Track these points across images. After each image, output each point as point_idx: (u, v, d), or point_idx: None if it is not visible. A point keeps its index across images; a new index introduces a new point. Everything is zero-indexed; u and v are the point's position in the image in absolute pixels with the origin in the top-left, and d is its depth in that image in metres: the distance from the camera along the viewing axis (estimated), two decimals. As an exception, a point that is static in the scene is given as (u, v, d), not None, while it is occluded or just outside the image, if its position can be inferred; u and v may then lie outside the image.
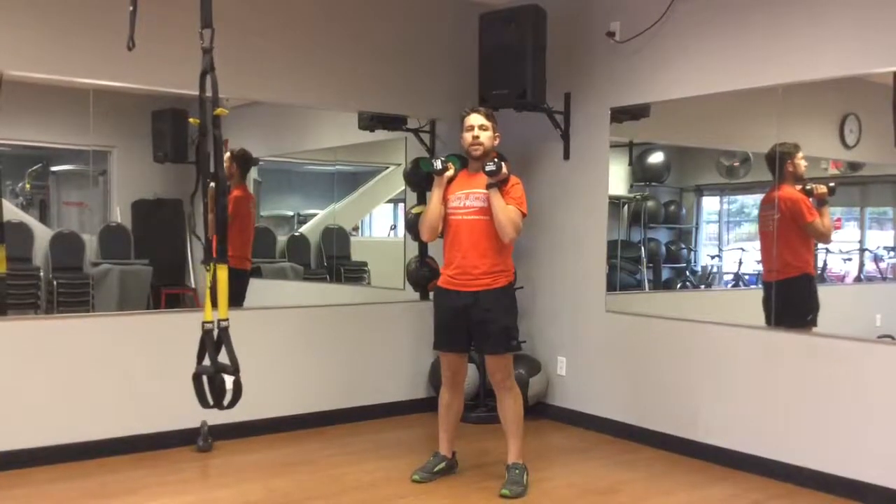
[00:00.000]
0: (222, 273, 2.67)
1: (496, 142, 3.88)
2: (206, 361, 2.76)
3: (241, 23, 4.54)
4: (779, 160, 4.28)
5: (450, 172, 3.87)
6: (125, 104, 4.82)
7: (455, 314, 3.85)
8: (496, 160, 3.71)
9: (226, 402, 2.70)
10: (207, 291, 2.69)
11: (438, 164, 3.88)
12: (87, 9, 4.12)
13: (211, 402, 2.71)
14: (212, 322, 2.68)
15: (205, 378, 2.72)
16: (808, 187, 4.27)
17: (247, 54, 4.58)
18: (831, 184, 4.34)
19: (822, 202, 4.26)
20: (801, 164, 4.29)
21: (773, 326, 4.20)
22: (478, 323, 3.80)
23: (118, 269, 5.01)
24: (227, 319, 2.66)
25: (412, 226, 5.16)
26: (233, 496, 3.74)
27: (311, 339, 4.98)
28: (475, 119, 3.83)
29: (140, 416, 4.32)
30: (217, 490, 3.87)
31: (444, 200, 3.87)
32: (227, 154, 5.01)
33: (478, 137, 3.79)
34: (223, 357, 2.75)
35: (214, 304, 2.69)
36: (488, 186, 3.70)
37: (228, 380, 2.66)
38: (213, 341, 2.68)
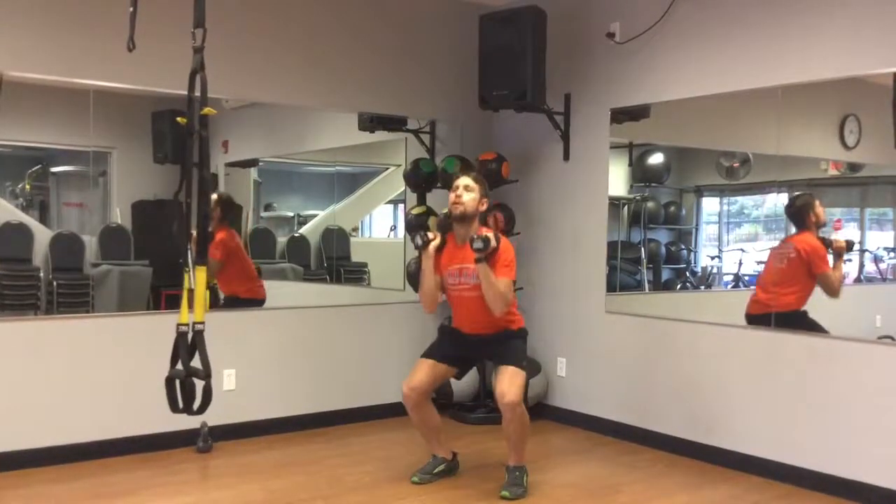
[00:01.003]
0: (200, 275, 2.65)
1: (482, 207, 3.83)
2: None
3: (241, 24, 4.55)
4: (802, 212, 4.40)
5: (435, 243, 3.83)
6: (125, 105, 4.82)
7: (460, 339, 3.91)
8: (483, 236, 3.62)
9: (195, 407, 2.67)
10: (185, 293, 2.66)
11: (419, 241, 3.83)
12: (88, 10, 4.12)
13: (180, 406, 2.69)
14: (186, 325, 2.66)
15: (178, 382, 2.69)
16: (827, 239, 4.34)
17: (246, 55, 4.58)
18: (851, 240, 4.43)
19: (838, 255, 4.31)
20: (821, 213, 4.39)
21: (773, 327, 4.21)
22: (489, 348, 3.85)
23: (118, 270, 5.01)
24: (202, 323, 2.64)
25: (412, 226, 5.16)
26: (233, 497, 3.75)
27: (312, 340, 4.98)
28: (462, 180, 3.82)
29: (140, 416, 4.32)
30: (217, 491, 3.88)
31: (438, 271, 3.85)
32: (214, 197, 4.97)
33: (460, 197, 3.77)
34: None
35: (191, 307, 2.67)
36: (477, 261, 3.64)
37: (199, 385, 2.63)
38: (187, 344, 2.66)
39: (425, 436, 4.04)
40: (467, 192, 3.78)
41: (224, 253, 4.92)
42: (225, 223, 5.10)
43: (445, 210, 4.03)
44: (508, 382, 3.67)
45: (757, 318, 4.33)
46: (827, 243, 4.33)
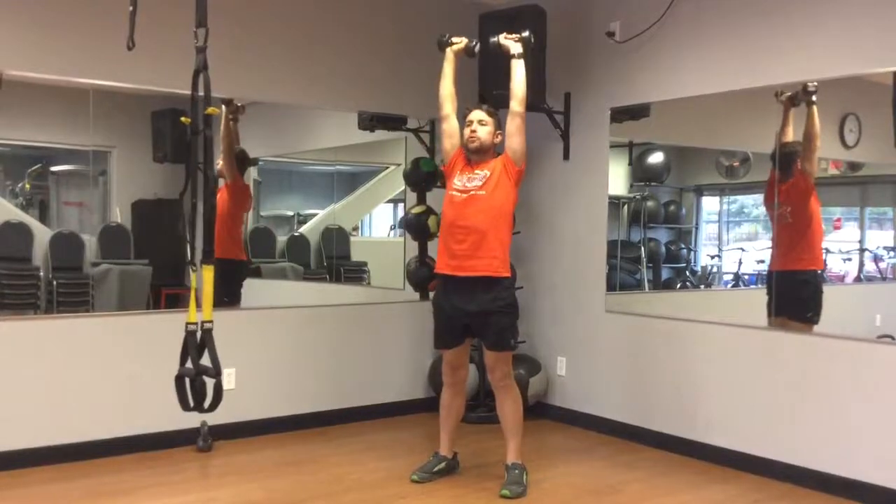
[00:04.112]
0: (208, 274, 2.66)
1: (497, 139, 3.89)
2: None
3: (241, 22, 4.55)
4: (788, 158, 4.29)
5: (459, 45, 3.93)
6: (125, 104, 4.82)
7: (453, 316, 3.86)
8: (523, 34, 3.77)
9: (206, 405, 2.68)
10: (192, 292, 2.67)
11: (444, 38, 3.92)
12: (88, 9, 4.12)
13: (191, 405, 2.69)
14: (195, 324, 2.66)
15: (188, 380, 2.70)
16: (787, 94, 4.13)
17: (247, 54, 4.58)
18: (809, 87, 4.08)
19: (804, 99, 4.08)
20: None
21: (772, 325, 4.20)
22: (478, 319, 3.79)
23: (118, 269, 5.01)
24: (210, 321, 2.65)
25: (412, 226, 5.17)
26: (233, 496, 3.75)
27: (311, 340, 4.98)
28: (475, 114, 3.87)
29: (140, 415, 4.32)
30: (217, 490, 3.87)
31: (447, 177, 3.90)
32: None
33: (475, 131, 3.83)
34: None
35: (199, 306, 2.67)
36: (513, 57, 3.79)
37: (210, 382, 2.64)
38: (196, 343, 2.66)
39: (446, 425, 4.03)
40: (482, 126, 3.84)
41: (225, 197, 4.86)
42: (241, 179, 5.14)
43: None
44: (495, 359, 3.84)
45: (775, 275, 4.38)
46: (791, 99, 4.12)
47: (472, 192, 3.78)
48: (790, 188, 4.30)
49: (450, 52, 3.95)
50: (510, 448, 3.89)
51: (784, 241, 4.41)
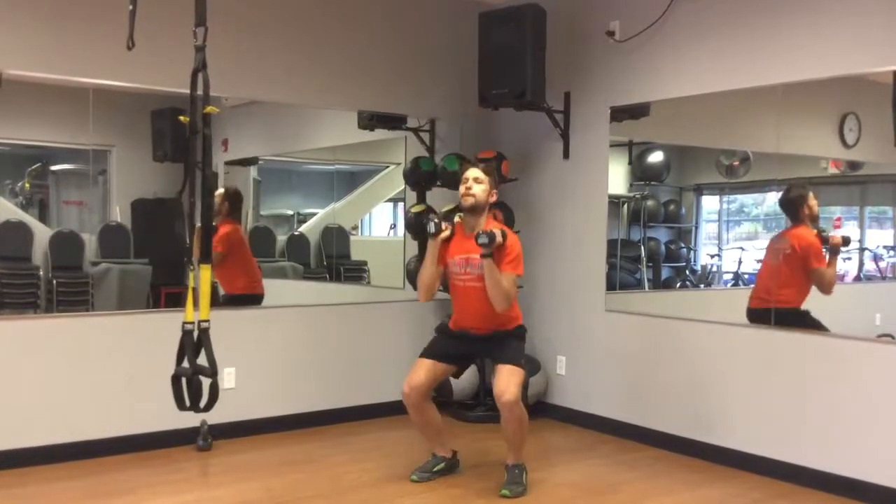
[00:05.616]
0: (204, 273, 2.65)
1: (492, 198, 3.85)
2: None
3: (240, 21, 4.55)
4: (795, 204, 4.37)
5: (445, 234, 3.83)
6: (125, 103, 4.81)
7: (458, 338, 3.90)
8: (489, 231, 3.62)
9: (202, 405, 2.68)
10: (189, 292, 2.66)
11: (432, 227, 3.83)
12: (87, 8, 4.12)
13: (187, 404, 2.69)
14: (192, 323, 2.66)
15: (184, 380, 2.69)
16: (823, 234, 4.30)
17: (246, 53, 4.58)
18: (847, 235, 4.37)
19: (834, 251, 4.27)
20: (814, 205, 4.34)
21: (773, 325, 4.21)
22: (488, 343, 3.82)
23: (118, 269, 5.01)
24: (207, 321, 2.65)
25: (411, 225, 5.16)
26: (232, 495, 3.75)
27: (311, 339, 4.98)
28: (471, 172, 3.83)
29: (140, 415, 4.32)
30: (217, 489, 3.88)
31: (444, 261, 3.86)
32: (220, 191, 5.01)
33: (470, 188, 3.79)
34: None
35: (196, 305, 2.67)
36: (482, 256, 3.65)
37: (205, 382, 2.64)
38: (193, 342, 2.66)
39: (426, 435, 4.03)
40: (477, 184, 3.80)
41: (226, 246, 4.90)
42: (231, 217, 5.11)
43: (446, 208, 3.99)
44: (506, 381, 3.65)
45: (758, 313, 4.32)
46: (823, 238, 4.30)
47: (471, 285, 3.77)
48: (795, 235, 4.38)
49: (438, 240, 3.84)
50: (511, 453, 3.86)
51: (776, 276, 4.41)
